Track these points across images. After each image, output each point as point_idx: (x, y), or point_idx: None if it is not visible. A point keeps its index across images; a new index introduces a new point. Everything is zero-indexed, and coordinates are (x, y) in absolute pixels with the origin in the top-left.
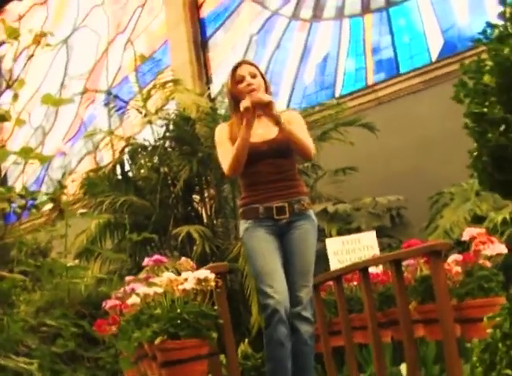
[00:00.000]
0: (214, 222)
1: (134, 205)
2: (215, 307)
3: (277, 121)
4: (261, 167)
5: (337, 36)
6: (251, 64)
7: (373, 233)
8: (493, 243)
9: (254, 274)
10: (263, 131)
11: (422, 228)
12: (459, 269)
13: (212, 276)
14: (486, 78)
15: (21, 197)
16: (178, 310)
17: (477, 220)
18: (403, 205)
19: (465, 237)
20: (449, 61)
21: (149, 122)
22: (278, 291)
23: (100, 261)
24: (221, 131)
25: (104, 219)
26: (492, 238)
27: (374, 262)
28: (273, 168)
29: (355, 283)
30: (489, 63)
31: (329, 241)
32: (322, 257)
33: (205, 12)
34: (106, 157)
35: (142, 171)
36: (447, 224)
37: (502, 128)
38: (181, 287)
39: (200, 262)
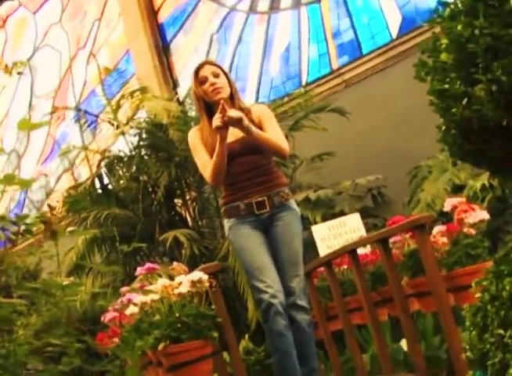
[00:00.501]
0: (199, 223)
1: (118, 217)
2: (212, 306)
3: (248, 133)
4: (236, 166)
5: (296, 25)
6: (213, 64)
7: (357, 215)
8: (474, 210)
9: (244, 271)
10: (234, 130)
11: (404, 203)
12: (445, 239)
13: (205, 276)
14: (443, 56)
15: (13, 223)
16: (177, 314)
17: (458, 189)
18: (383, 184)
19: (447, 208)
20: (410, 36)
21: (122, 133)
22: (270, 285)
23: (92, 276)
24: (193, 138)
25: (90, 235)
26: (472, 206)
27: (361, 243)
28: (248, 165)
29: (346, 266)
30: (445, 41)
31: (315, 228)
32: (310, 245)
33: (163, 17)
34: (83, 173)
35: (122, 182)
36: (428, 197)
37: (465, 101)
38: (176, 292)
39: (191, 265)
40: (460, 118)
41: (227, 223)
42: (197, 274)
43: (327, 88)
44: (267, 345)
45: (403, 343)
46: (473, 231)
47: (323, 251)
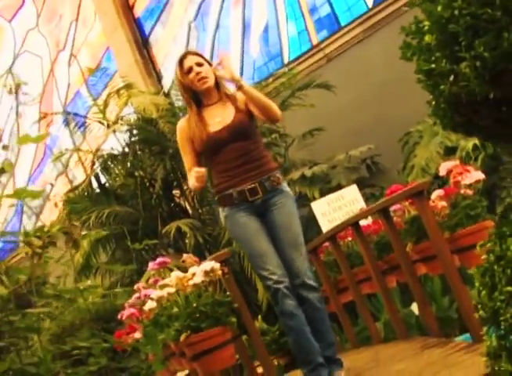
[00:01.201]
0: (200, 211)
1: (119, 215)
2: (227, 293)
3: (238, 85)
4: (226, 154)
5: (272, 4)
6: (196, 54)
7: (355, 187)
8: (469, 171)
9: (247, 257)
10: (220, 119)
11: (399, 170)
12: (444, 203)
13: (217, 265)
14: (427, 38)
15: (38, 237)
16: (194, 304)
17: (450, 151)
18: (376, 153)
19: (442, 172)
20: (386, 4)
21: (114, 131)
22: (273, 271)
23: (100, 275)
24: (181, 132)
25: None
26: (466, 167)
27: (363, 215)
28: (237, 152)
29: (350, 238)
30: (426, 23)
31: (314, 204)
32: (311, 221)
33: (139, 11)
34: (77, 174)
35: (118, 179)
36: (422, 161)
37: (452, 78)
38: (191, 283)
39: (197, 253)
40: (449, 94)
41: (222, 212)
42: (209, 264)
43: (310, 63)
44: (280, 324)
45: (414, 307)
46: (470, 192)
47: (325, 225)
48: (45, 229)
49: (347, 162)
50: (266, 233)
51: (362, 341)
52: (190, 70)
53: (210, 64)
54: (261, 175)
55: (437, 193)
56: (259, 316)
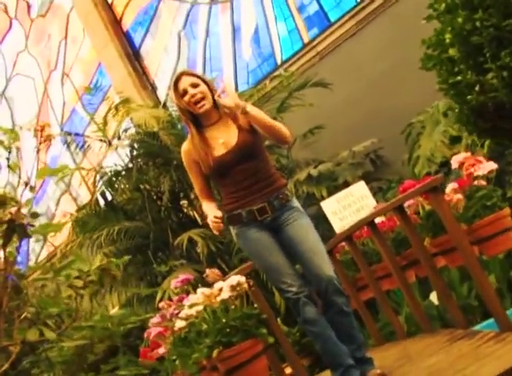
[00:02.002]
0: None
1: (129, 230)
2: (254, 305)
3: (243, 111)
4: (233, 176)
5: (260, 6)
6: (191, 74)
7: (362, 183)
8: (481, 162)
9: (263, 272)
10: (224, 140)
11: (404, 161)
12: (459, 196)
13: (243, 279)
14: (451, 51)
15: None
16: (224, 320)
17: (455, 140)
18: (379, 146)
19: (454, 165)
20: None
21: (116, 148)
22: (291, 283)
23: (116, 292)
24: (187, 156)
25: (107, 252)
26: (478, 158)
27: (378, 213)
28: (245, 173)
29: (364, 236)
30: (448, 36)
31: (324, 204)
32: (321, 220)
33: (127, 24)
34: (81, 192)
35: (124, 195)
36: (427, 152)
37: (477, 88)
38: (219, 299)
39: (210, 262)
40: (476, 103)
41: (233, 230)
42: (235, 278)
43: (303, 62)
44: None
45: (433, 297)
46: (483, 182)
47: (337, 224)
48: (85, 270)
49: (351, 158)
50: (280, 247)
51: (386, 336)
52: (185, 92)
53: (206, 83)
54: (269, 195)
55: (451, 186)
56: (278, 319)
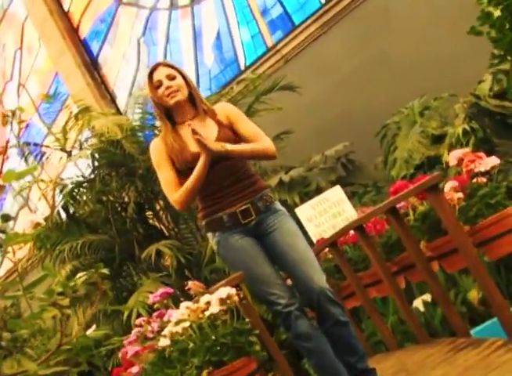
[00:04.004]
0: (176, 230)
1: (93, 244)
2: (246, 320)
3: (226, 153)
4: (212, 175)
5: (221, 11)
6: (168, 65)
7: (338, 187)
8: (482, 158)
9: (248, 284)
10: (204, 134)
11: (377, 164)
12: (460, 195)
13: (233, 291)
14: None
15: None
16: (213, 337)
17: (437, 140)
18: (350, 150)
19: (452, 162)
20: None
21: (80, 157)
22: (280, 295)
23: (82, 307)
24: (156, 152)
25: (71, 267)
26: (478, 154)
27: (369, 217)
28: (225, 172)
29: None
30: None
31: (299, 210)
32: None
33: (84, 32)
34: (40, 206)
35: (87, 207)
36: (404, 153)
37: None
38: (207, 313)
39: (179, 274)
40: None
41: (212, 238)
42: (224, 290)
43: (268, 66)
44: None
45: (418, 304)
46: (484, 179)
47: (312, 230)
48: (71, 283)
49: (323, 163)
50: (266, 256)
51: (373, 346)
52: (160, 84)
53: (184, 76)
54: (252, 195)
55: (450, 184)
56: None
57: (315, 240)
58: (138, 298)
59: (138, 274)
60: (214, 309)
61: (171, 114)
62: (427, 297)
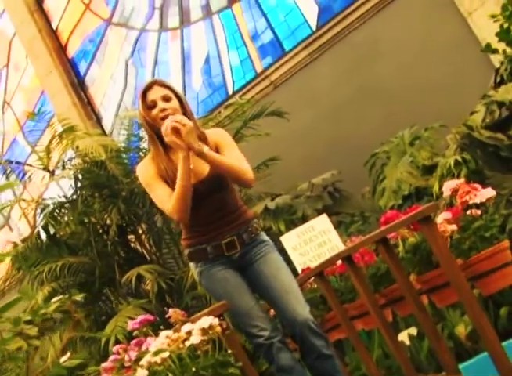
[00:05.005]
0: (158, 254)
1: (73, 266)
2: (228, 351)
3: (199, 152)
4: (202, 208)
5: (211, 34)
6: (164, 85)
7: (324, 216)
8: (477, 189)
9: (230, 315)
10: (194, 166)
11: (364, 194)
12: (454, 227)
13: (216, 321)
14: None
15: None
16: (193, 368)
17: (427, 170)
18: (337, 179)
19: (446, 193)
20: (330, 25)
21: (63, 177)
22: (263, 327)
23: (59, 331)
24: (146, 170)
25: (49, 289)
26: (473, 185)
27: (359, 247)
28: (215, 205)
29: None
30: None
31: (284, 238)
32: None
33: (72, 52)
34: (21, 226)
35: (68, 228)
36: (393, 183)
37: None
38: (188, 343)
39: (159, 300)
40: None
41: (195, 268)
42: (207, 320)
43: (256, 92)
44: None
45: (403, 338)
46: (478, 212)
47: (297, 259)
48: (40, 311)
49: (310, 191)
50: (248, 288)
51: None
52: (154, 105)
53: (180, 98)
54: (239, 228)
55: (443, 215)
56: None
57: (299, 269)
58: (117, 324)
59: (118, 299)
60: (196, 338)
61: (161, 137)
62: (413, 330)
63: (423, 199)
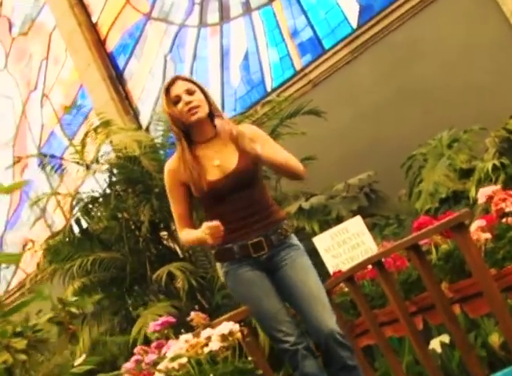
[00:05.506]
0: (190, 252)
1: (104, 261)
2: (248, 358)
3: (256, 156)
4: (228, 205)
5: (251, 31)
6: (186, 79)
7: (359, 218)
8: None
9: (256, 318)
10: (220, 163)
11: (401, 196)
12: (488, 235)
13: (236, 327)
14: None
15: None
16: (212, 375)
17: (465, 174)
18: (374, 180)
19: (481, 199)
20: (371, 24)
21: (94, 172)
22: (288, 332)
23: (88, 325)
24: (172, 175)
25: (79, 284)
26: (509, 192)
27: (389, 252)
28: (242, 202)
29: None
30: None
31: (316, 239)
32: (310, 255)
33: (111, 45)
34: (56, 219)
35: (101, 223)
36: (430, 186)
37: None
38: (206, 350)
39: (190, 298)
40: None
41: (221, 268)
42: (227, 326)
43: (294, 90)
44: (286, 369)
45: (435, 345)
46: None
47: (329, 261)
48: (31, 323)
49: (345, 192)
50: (276, 291)
51: None
52: (179, 99)
53: (203, 91)
54: (267, 228)
55: (477, 223)
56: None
57: (331, 272)
58: (146, 321)
59: (149, 296)
60: (215, 344)
61: (189, 133)
62: (446, 338)
63: (460, 202)
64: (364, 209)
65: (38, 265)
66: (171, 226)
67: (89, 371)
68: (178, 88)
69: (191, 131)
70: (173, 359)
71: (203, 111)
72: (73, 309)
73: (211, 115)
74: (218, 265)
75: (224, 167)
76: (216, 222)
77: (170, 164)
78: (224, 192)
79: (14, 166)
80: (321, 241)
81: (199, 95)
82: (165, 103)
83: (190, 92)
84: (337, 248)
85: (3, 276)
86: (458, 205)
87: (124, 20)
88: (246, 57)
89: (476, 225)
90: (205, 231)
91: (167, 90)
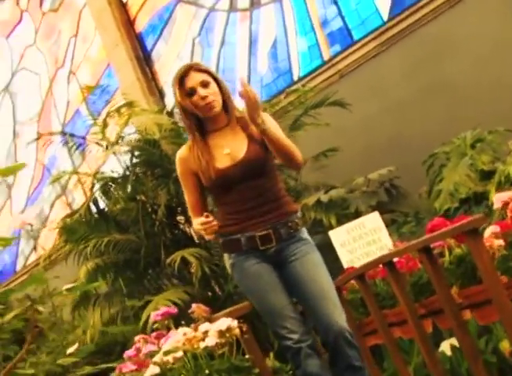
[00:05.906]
0: (206, 239)
1: (119, 243)
2: (246, 355)
3: (261, 128)
4: (237, 194)
5: (281, 18)
6: (200, 70)
7: (377, 214)
8: None
9: (260, 313)
10: (231, 151)
11: (421, 194)
12: (501, 242)
13: (235, 323)
14: None
15: None
16: (207, 371)
17: (486, 176)
18: (395, 175)
19: (497, 205)
20: (402, 17)
21: (114, 153)
22: (293, 329)
23: (99, 307)
24: (182, 164)
25: (92, 265)
26: None
27: (401, 253)
28: (252, 191)
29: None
30: None
31: (332, 233)
32: (327, 250)
33: (140, 26)
34: (77, 197)
35: (118, 204)
36: (450, 185)
37: None
38: (202, 345)
39: (203, 285)
40: None
41: (228, 259)
42: (225, 321)
43: (321, 80)
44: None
45: (445, 348)
46: None
47: (344, 256)
48: None
49: (365, 186)
50: (284, 286)
51: None
52: (193, 92)
53: (218, 81)
54: (277, 220)
55: (491, 229)
56: (271, 354)
57: (345, 267)
58: (157, 306)
59: (162, 279)
60: (211, 340)
61: (201, 122)
62: (456, 341)
63: (481, 204)
64: (383, 205)
65: (54, 244)
66: (188, 212)
67: (99, 351)
68: (193, 80)
69: (203, 122)
70: (167, 352)
71: (218, 105)
72: (41, 308)
73: (224, 104)
74: (226, 256)
75: (233, 155)
76: (205, 217)
77: (181, 153)
78: (232, 180)
79: (36, 142)
80: (337, 235)
81: (213, 87)
82: (179, 95)
83: (205, 84)
84: (352, 243)
85: (21, 251)
86: (478, 207)
87: (154, 2)
88: (274, 45)
89: (490, 230)
90: (198, 227)
91: (181, 81)
